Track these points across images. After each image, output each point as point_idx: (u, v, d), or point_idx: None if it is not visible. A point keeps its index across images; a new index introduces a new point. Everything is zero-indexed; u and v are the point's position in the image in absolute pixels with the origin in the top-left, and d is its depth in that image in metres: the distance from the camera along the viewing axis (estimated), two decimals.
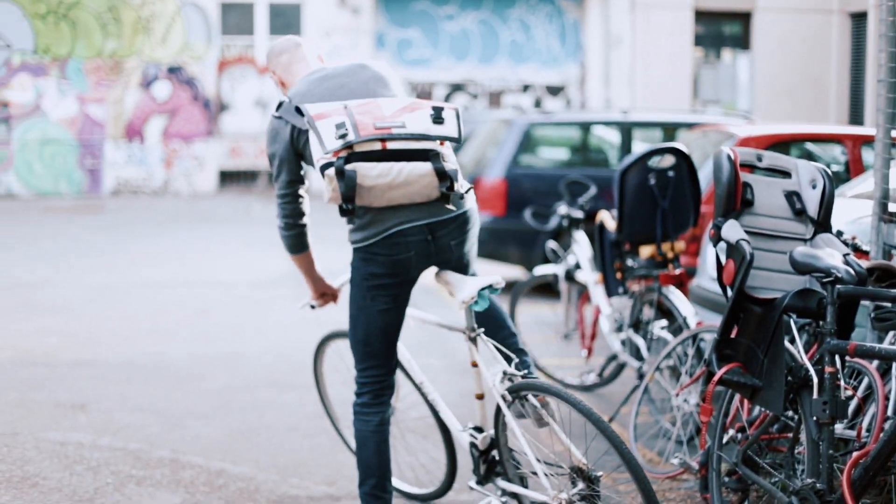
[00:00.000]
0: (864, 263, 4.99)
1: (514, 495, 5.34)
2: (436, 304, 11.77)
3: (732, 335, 4.91)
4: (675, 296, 7.25)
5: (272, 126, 5.25)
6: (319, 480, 6.47)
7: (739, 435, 5.21)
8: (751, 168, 5.17)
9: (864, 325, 5.64)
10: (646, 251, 7.36)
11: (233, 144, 25.14)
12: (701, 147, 9.99)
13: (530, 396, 5.03)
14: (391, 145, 4.80)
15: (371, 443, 5.27)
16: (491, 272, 13.56)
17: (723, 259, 4.92)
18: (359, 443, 5.30)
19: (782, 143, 9.65)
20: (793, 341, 4.76)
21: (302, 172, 5.28)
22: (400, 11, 25.82)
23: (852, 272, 4.56)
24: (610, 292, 7.78)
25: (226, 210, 21.89)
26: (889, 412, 4.86)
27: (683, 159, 7.30)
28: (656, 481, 6.44)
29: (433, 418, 5.97)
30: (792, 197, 5.12)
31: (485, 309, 5.13)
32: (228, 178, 25.32)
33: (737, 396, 5.30)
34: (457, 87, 26.10)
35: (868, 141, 9.76)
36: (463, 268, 5.24)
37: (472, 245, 5.25)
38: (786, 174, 5.19)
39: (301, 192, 5.30)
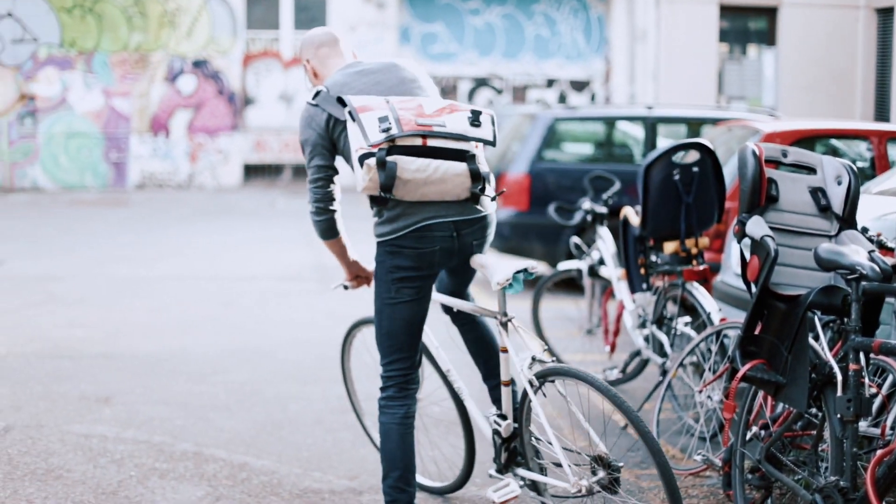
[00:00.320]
0: (889, 260, 4.96)
1: (534, 483, 5.38)
2: None
3: (756, 332, 4.90)
4: (698, 292, 7.23)
5: (307, 113, 5.28)
6: (342, 475, 6.48)
7: (763, 432, 5.19)
8: (776, 164, 5.15)
9: (889, 322, 5.62)
10: (670, 247, 7.34)
11: (257, 138, 25.17)
12: (726, 143, 9.96)
13: (557, 383, 5.13)
14: (431, 142, 4.94)
15: (395, 435, 5.30)
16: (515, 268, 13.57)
17: (747, 255, 4.91)
18: (383, 436, 5.33)
19: (807, 139, 9.62)
20: (817, 338, 4.75)
21: (334, 160, 5.32)
22: (424, 6, 25.81)
23: (877, 269, 4.54)
24: (633, 288, 7.76)
25: (250, 204, 21.93)
26: None
27: (708, 155, 7.28)
28: (679, 478, 6.43)
29: (456, 409, 6.04)
30: (817, 193, 5.10)
31: (516, 291, 5.28)
32: (253, 171, 25.35)
33: (760, 393, 5.28)
34: (481, 82, 26.07)
35: (894, 137, 9.72)
36: (465, 266, 5.46)
37: (487, 248, 5.45)
38: (811, 170, 5.17)
39: (333, 177, 5.33)
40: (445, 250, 5.19)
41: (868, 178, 8.92)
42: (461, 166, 4.99)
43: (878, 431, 4.99)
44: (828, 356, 4.65)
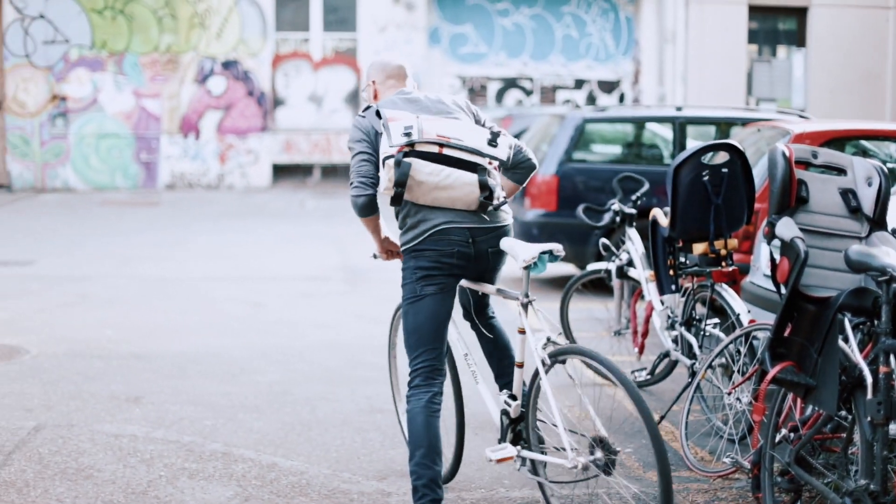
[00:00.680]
0: None
1: (533, 466, 5.68)
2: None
3: (786, 334, 4.89)
4: (727, 293, 7.21)
5: (358, 123, 5.77)
6: (371, 475, 6.50)
7: (792, 434, 5.18)
8: (806, 165, 5.14)
9: None
10: (699, 248, 7.32)
11: (287, 139, 25.23)
12: (755, 144, 9.93)
13: (568, 364, 5.47)
14: (447, 151, 5.48)
15: (420, 418, 5.57)
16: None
17: (777, 257, 4.90)
18: (410, 420, 5.61)
19: (837, 140, 9.57)
20: (847, 340, 4.73)
21: (377, 157, 5.69)
22: (454, 7, 25.81)
23: None
24: (662, 289, 7.74)
25: (279, 204, 21.98)
26: None
27: (737, 156, 7.26)
28: (708, 480, 6.42)
29: (454, 403, 6.23)
30: (847, 194, 5.09)
31: (540, 272, 5.58)
32: (282, 172, 25.41)
33: (790, 395, 5.26)
34: (510, 83, 26.06)
35: None
36: (494, 279, 5.93)
37: (504, 258, 5.83)
38: (841, 171, 5.16)
39: (375, 163, 5.67)
40: (462, 255, 5.60)
41: None
42: (472, 176, 5.49)
43: None
44: (858, 358, 4.63)
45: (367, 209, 5.76)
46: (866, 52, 24.65)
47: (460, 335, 6.27)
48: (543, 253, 5.51)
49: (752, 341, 6.57)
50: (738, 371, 6.60)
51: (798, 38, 25.51)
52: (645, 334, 8.19)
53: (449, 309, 5.75)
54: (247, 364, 9.10)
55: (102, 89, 24.79)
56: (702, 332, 7.40)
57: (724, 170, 7.24)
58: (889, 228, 5.09)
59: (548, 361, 5.50)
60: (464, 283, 5.96)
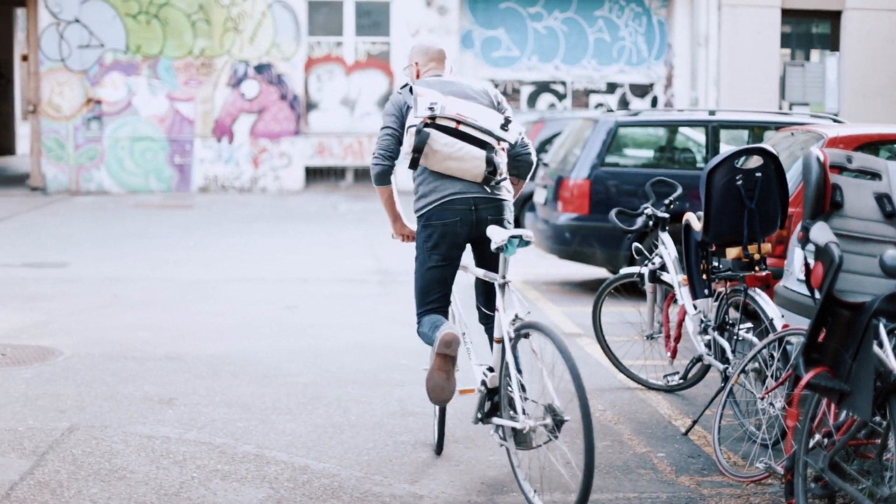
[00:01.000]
0: None
1: (504, 430, 6.17)
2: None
3: (820, 339, 4.87)
4: (761, 298, 7.19)
5: (394, 98, 6.72)
6: (402, 478, 6.50)
7: (826, 440, 5.15)
8: (840, 169, 5.12)
9: None
10: (732, 252, 7.30)
11: (320, 142, 25.29)
12: (788, 148, 9.89)
13: (532, 338, 5.99)
14: (463, 128, 6.36)
15: (427, 317, 6.56)
16: (575, 273, 13.52)
17: (811, 262, 4.88)
18: (428, 328, 6.49)
19: (872, 145, 9.53)
20: (882, 346, 4.71)
21: (402, 132, 6.58)
22: (486, 11, 25.82)
23: None
24: (695, 294, 7.73)
25: (312, 207, 22.03)
26: None
27: (771, 160, 7.24)
28: (741, 485, 6.40)
29: None
30: (882, 199, 5.06)
31: (511, 254, 6.13)
32: (315, 175, 25.47)
33: (823, 401, 5.24)
34: (543, 87, 26.05)
35: None
36: (488, 244, 6.35)
37: (507, 225, 6.48)
38: (876, 176, 5.13)
39: (398, 139, 6.59)
40: (465, 222, 6.43)
41: None
42: (481, 152, 6.36)
43: None
44: (893, 364, 4.61)
45: (382, 178, 6.60)
46: None
47: (461, 315, 6.88)
48: (513, 237, 6.03)
49: (785, 346, 6.55)
50: (772, 376, 6.58)
51: (832, 42, 25.40)
52: (677, 339, 8.17)
53: (453, 275, 6.59)
54: (280, 366, 9.13)
55: (137, 93, 24.91)
56: (735, 337, 7.38)
57: (758, 174, 7.22)
58: None
59: (513, 335, 6.08)
60: (473, 271, 6.64)
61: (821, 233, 4.81)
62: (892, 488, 4.53)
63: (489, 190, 6.44)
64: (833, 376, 4.78)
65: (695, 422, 7.41)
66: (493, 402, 6.26)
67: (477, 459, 6.84)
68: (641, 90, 26.23)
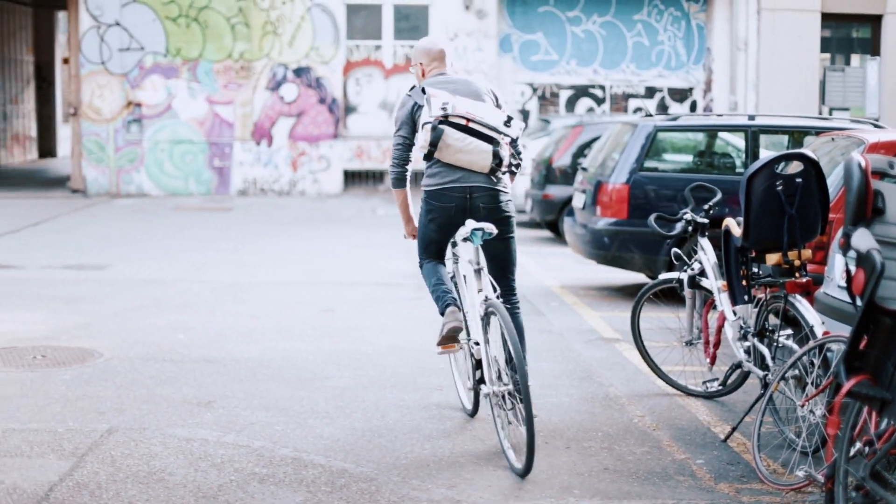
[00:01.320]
0: None
1: (487, 396, 7.06)
2: (562, 310, 11.80)
3: (861, 346, 4.83)
4: (801, 304, 7.15)
5: (403, 100, 7.61)
6: (440, 483, 6.50)
7: (867, 448, 5.11)
8: (881, 175, 5.08)
9: None
10: (772, 258, 7.27)
11: (358, 146, 25.34)
12: (829, 153, 9.83)
13: (497, 316, 6.90)
14: (472, 125, 7.22)
15: (430, 265, 7.58)
16: (614, 278, 13.49)
17: (852, 268, 4.84)
18: (426, 270, 7.61)
19: None
20: None
21: (413, 136, 7.53)
22: (525, 15, 25.81)
23: None
24: (735, 300, 7.69)
25: (350, 211, 22.07)
26: None
27: (811, 166, 7.20)
28: (780, 493, 6.36)
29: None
30: None
31: (477, 244, 7.11)
32: (353, 178, 25.52)
33: (865, 409, 5.20)
34: (581, 91, 26.02)
35: None
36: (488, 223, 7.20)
37: (502, 211, 7.37)
38: None
39: (410, 147, 7.57)
40: (459, 207, 7.34)
41: None
42: (488, 146, 7.23)
43: None
44: None
45: (399, 183, 7.66)
46: None
47: (464, 298, 7.53)
48: (476, 230, 7.02)
49: (825, 353, 6.50)
50: (812, 383, 6.53)
51: (872, 46, 25.24)
52: (717, 345, 8.13)
53: (446, 240, 7.55)
54: (318, 369, 9.14)
55: (176, 96, 25.05)
56: (775, 344, 7.34)
57: (798, 180, 7.18)
58: None
59: (482, 313, 7.08)
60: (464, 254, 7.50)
61: (862, 239, 4.77)
62: None
63: (493, 179, 7.33)
64: (875, 384, 4.74)
65: (734, 428, 7.37)
66: (482, 370, 7.18)
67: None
68: (680, 94, 26.16)
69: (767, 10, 25.04)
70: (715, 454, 7.11)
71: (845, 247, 4.87)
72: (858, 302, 4.79)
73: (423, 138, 7.22)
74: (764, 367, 7.40)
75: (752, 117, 12.94)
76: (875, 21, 25.12)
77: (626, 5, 25.95)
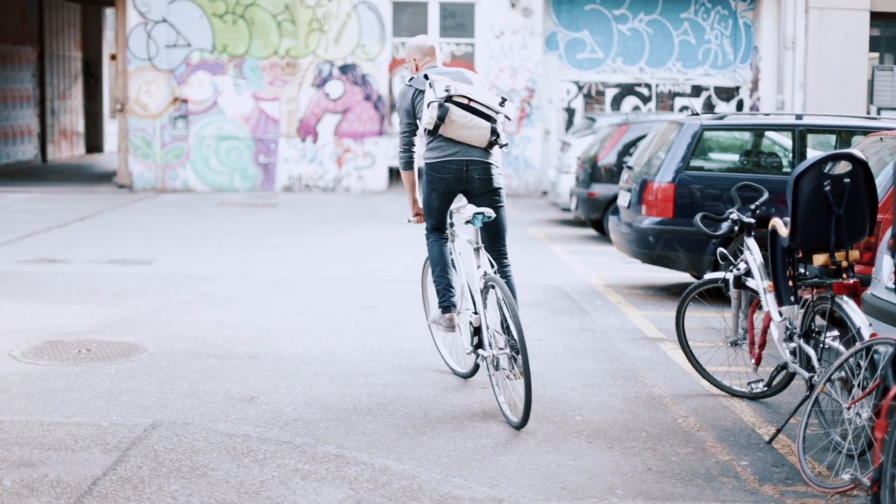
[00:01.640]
0: None
1: (485, 360, 8.01)
2: (606, 309, 11.77)
3: None
4: (848, 306, 7.08)
5: (403, 90, 8.57)
6: (482, 482, 6.48)
7: None
8: None
9: None
10: (819, 259, 7.21)
11: None
12: (877, 154, 9.74)
13: (497, 290, 7.77)
14: (473, 104, 8.16)
15: (436, 248, 8.58)
16: (658, 277, 13.42)
17: None
18: (429, 249, 8.63)
19: None
20: None
21: (416, 122, 8.49)
22: (571, 13, 25.75)
23: None
24: (781, 300, 7.63)
25: (395, 207, 22.08)
26: None
27: (860, 166, 7.13)
28: (825, 496, 6.30)
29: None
30: None
31: (478, 226, 8.03)
32: (398, 175, 25.53)
33: None
34: (627, 89, 25.93)
35: None
36: (482, 194, 8.29)
37: (493, 184, 8.32)
38: None
39: (415, 132, 8.50)
40: (457, 178, 8.29)
41: None
42: (487, 123, 8.18)
43: None
44: None
45: (408, 165, 8.61)
46: None
47: (459, 271, 8.55)
48: (477, 214, 7.94)
49: (872, 355, 6.44)
50: (859, 385, 6.47)
51: None
52: (762, 345, 8.07)
53: (447, 206, 8.45)
54: (361, 366, 9.14)
55: (222, 92, 25.14)
56: (821, 345, 7.28)
57: (846, 180, 7.12)
58: None
59: (483, 288, 7.98)
60: (461, 233, 8.59)
61: None
62: None
63: (488, 153, 8.29)
64: None
65: (779, 430, 7.32)
66: (480, 338, 8.08)
67: (557, 463, 6.80)
68: (727, 93, 26.02)
69: (816, 9, 24.86)
70: (759, 456, 7.05)
71: (894, 248, 4.82)
72: None
73: (429, 115, 8.12)
74: (810, 368, 7.34)
75: (799, 116, 12.84)
76: None
77: (673, 3, 25.84)
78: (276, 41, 25.17)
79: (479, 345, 8.09)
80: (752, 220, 8.38)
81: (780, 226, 7.51)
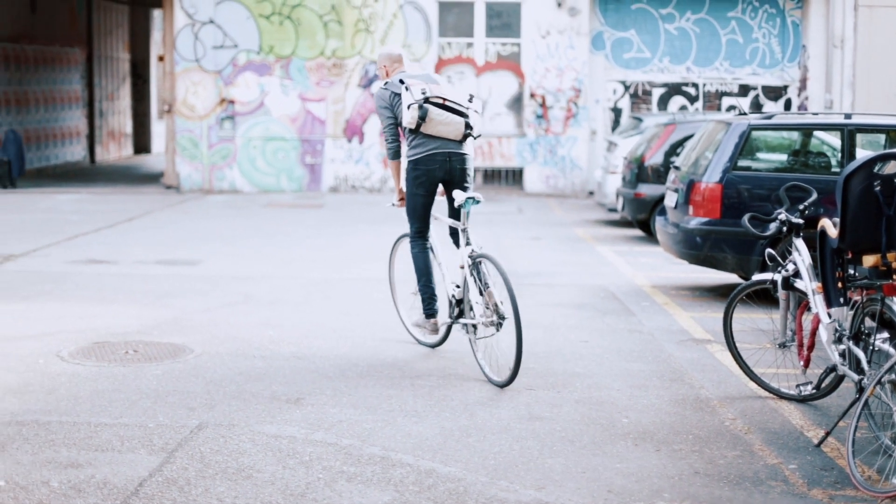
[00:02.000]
0: None
1: (466, 326, 9.13)
2: (653, 311, 11.68)
3: None
4: None
5: (380, 92, 9.61)
6: (529, 484, 6.45)
7: None
8: None
9: None
10: (869, 260, 7.13)
11: None
12: None
13: (483, 265, 8.87)
14: (447, 104, 9.22)
15: (421, 258, 9.67)
16: (705, 278, 13.34)
17: None
18: (415, 258, 9.70)
19: None
20: None
21: (396, 120, 9.46)
22: (617, 12, 25.66)
23: None
24: (830, 302, 7.56)
25: (441, 208, 22.04)
26: None
27: None
28: (875, 501, 6.23)
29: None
30: None
31: (468, 209, 9.12)
32: None
33: None
34: (674, 89, 25.81)
35: None
36: (461, 182, 9.41)
37: (468, 173, 9.44)
38: None
39: (397, 126, 9.49)
40: (441, 168, 9.33)
41: None
42: (461, 119, 9.25)
43: None
44: None
45: (396, 154, 9.60)
46: None
47: (441, 264, 9.68)
48: (469, 198, 9.00)
49: None
50: None
51: None
52: (811, 347, 8.00)
53: (431, 202, 9.54)
54: (406, 367, 9.14)
55: (269, 93, 25.23)
56: (871, 347, 7.20)
57: None
58: None
59: (471, 262, 9.02)
60: (445, 220, 9.59)
61: None
62: None
63: (463, 145, 9.33)
64: None
65: (828, 433, 7.24)
66: (460, 308, 9.27)
67: (604, 466, 6.77)
68: (774, 93, 25.85)
69: (865, 7, 24.66)
70: (808, 459, 6.99)
71: None
72: None
73: (410, 115, 9.15)
74: (859, 370, 7.27)
75: (848, 116, 12.73)
76: None
77: (721, 2, 25.70)
78: (323, 42, 25.22)
79: (460, 315, 9.26)
80: (801, 221, 8.31)
81: (830, 226, 7.44)
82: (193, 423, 7.41)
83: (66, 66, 31.34)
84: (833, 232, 7.36)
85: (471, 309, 9.03)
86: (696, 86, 25.85)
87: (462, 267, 9.13)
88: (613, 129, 25.45)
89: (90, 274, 13.60)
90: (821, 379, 8.03)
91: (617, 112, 25.82)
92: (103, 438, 7.06)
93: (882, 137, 12.63)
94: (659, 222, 13.59)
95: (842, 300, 7.50)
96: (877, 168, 7.14)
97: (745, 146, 12.37)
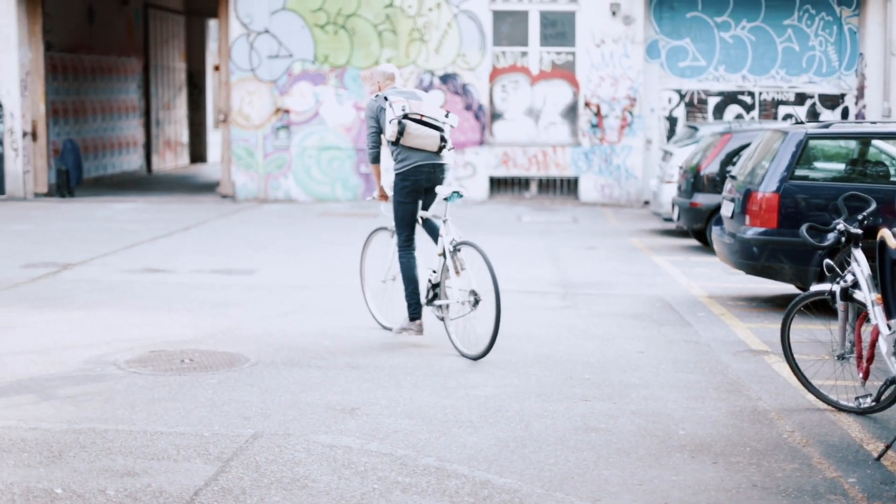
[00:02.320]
0: None
1: (440, 307, 10.25)
2: (710, 321, 11.60)
3: None
4: None
5: (369, 103, 10.48)
6: (584, 496, 6.41)
7: None
8: None
9: None
10: None
11: (504, 152, 25.33)
12: None
13: (462, 252, 10.01)
14: (425, 119, 10.14)
15: (410, 267, 10.47)
16: (763, 289, 13.23)
17: None
18: (403, 269, 10.48)
19: None
20: None
21: (381, 128, 10.40)
22: (672, 21, 25.55)
23: None
24: (890, 313, 7.48)
25: (496, 217, 22.05)
26: None
27: None
28: None
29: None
30: None
31: (453, 202, 10.22)
32: (498, 185, 25.52)
33: None
34: (730, 97, 25.66)
35: None
36: (440, 184, 10.42)
37: (447, 178, 10.49)
38: None
39: (380, 134, 10.42)
40: (426, 178, 10.33)
41: None
42: (437, 133, 10.20)
43: None
44: None
45: (376, 158, 10.52)
46: None
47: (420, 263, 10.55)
48: (454, 192, 10.09)
49: None
50: None
51: None
52: (870, 359, 7.92)
53: (416, 210, 10.44)
54: (462, 377, 9.12)
55: (324, 102, 25.31)
56: None
57: None
58: None
59: (451, 249, 10.04)
60: (422, 213, 10.54)
61: None
62: None
63: (441, 156, 10.32)
64: None
65: (888, 446, 7.16)
66: (435, 292, 10.29)
67: (660, 478, 6.72)
68: (831, 101, 25.65)
69: None
70: (868, 472, 6.91)
71: None
72: None
73: (391, 129, 10.15)
74: None
75: None
76: None
77: (776, 10, 25.53)
78: (377, 51, 25.28)
79: (435, 297, 10.31)
80: (860, 231, 8.22)
81: (889, 237, 7.36)
82: (249, 433, 7.43)
83: (123, 76, 31.60)
84: (893, 242, 7.28)
85: (445, 294, 10.21)
86: (751, 94, 25.69)
87: (441, 254, 10.21)
88: (669, 138, 25.33)
89: (147, 283, 13.68)
90: (880, 391, 7.94)
91: (672, 121, 25.70)
92: (159, 447, 7.09)
93: None
94: (715, 232, 13.50)
95: None
96: None
97: (803, 155, 12.26)
